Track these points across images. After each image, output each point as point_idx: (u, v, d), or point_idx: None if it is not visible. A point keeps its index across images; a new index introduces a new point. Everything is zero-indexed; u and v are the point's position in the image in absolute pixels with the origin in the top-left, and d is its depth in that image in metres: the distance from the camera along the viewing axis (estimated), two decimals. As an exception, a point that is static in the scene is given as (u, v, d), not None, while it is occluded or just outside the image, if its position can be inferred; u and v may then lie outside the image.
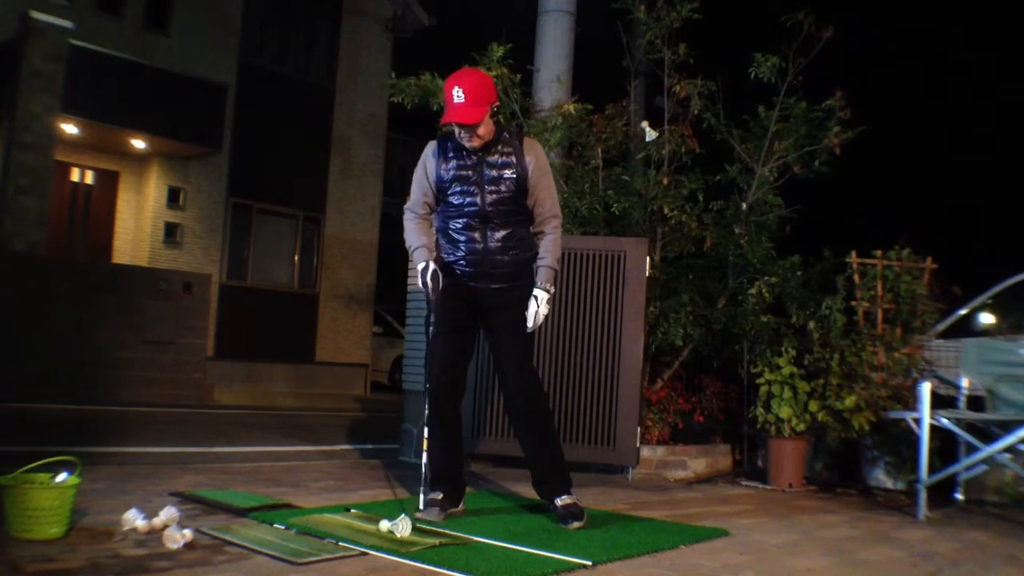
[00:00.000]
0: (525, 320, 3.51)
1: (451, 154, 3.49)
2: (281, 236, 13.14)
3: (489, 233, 3.48)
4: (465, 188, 3.46)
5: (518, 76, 5.96)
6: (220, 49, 12.23)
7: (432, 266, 3.48)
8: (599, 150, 5.85)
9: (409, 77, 5.74)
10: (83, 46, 10.02)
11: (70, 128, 10.41)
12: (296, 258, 13.23)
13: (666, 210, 5.61)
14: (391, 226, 14.22)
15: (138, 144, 11.23)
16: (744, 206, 5.69)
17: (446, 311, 3.57)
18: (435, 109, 5.74)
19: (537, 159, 3.49)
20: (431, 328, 3.58)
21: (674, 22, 5.67)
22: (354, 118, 13.92)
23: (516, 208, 3.50)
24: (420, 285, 3.52)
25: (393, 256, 11.30)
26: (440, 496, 3.47)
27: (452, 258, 3.55)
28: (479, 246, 3.48)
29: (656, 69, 5.93)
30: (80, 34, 10.02)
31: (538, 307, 3.49)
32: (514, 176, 3.44)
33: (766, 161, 5.70)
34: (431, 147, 3.57)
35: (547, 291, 3.50)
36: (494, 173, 3.44)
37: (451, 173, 3.48)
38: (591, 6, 7.34)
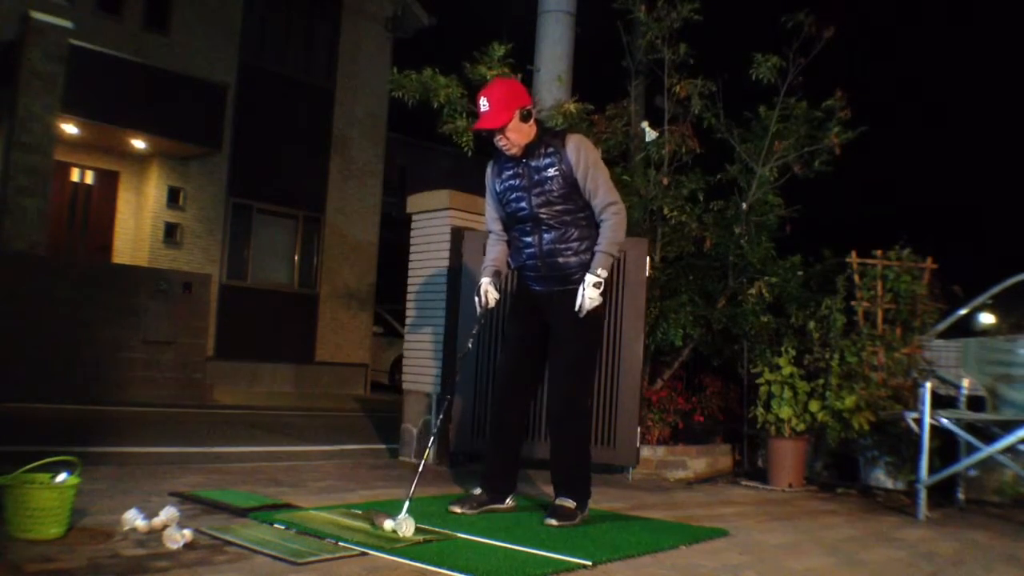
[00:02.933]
0: (578, 326, 3.49)
1: (502, 167, 3.60)
2: (281, 236, 13.13)
3: (544, 235, 3.53)
4: (517, 195, 3.55)
5: (519, 76, 5.96)
6: (220, 49, 12.23)
7: (485, 280, 3.61)
8: (599, 150, 5.85)
9: (410, 72, 5.74)
10: (83, 46, 10.01)
11: (70, 128, 10.41)
12: (296, 258, 13.22)
13: (666, 210, 5.62)
14: (391, 226, 14.32)
15: (138, 144, 11.23)
16: (744, 206, 5.69)
17: (514, 318, 3.75)
18: (435, 106, 5.74)
19: (579, 151, 3.47)
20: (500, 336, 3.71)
21: (674, 22, 5.67)
22: (354, 118, 13.91)
23: (569, 207, 3.49)
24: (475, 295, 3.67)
25: (393, 256, 11.30)
26: (479, 492, 3.62)
27: (519, 263, 3.66)
28: (535, 249, 3.55)
29: (656, 69, 5.93)
30: (80, 34, 10.01)
31: (584, 292, 3.42)
32: (558, 173, 3.46)
33: (766, 161, 5.71)
34: (488, 167, 3.70)
35: (596, 275, 3.43)
36: (538, 175, 3.49)
37: (504, 184, 3.59)
38: (591, 6, 7.33)
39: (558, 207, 3.48)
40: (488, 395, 4.83)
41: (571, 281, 3.51)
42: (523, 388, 3.71)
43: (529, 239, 3.56)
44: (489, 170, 3.69)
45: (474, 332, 3.76)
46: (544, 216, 3.50)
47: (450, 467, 5.06)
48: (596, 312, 3.52)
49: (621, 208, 3.51)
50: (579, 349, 3.55)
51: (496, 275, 3.67)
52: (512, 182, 3.55)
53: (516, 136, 3.46)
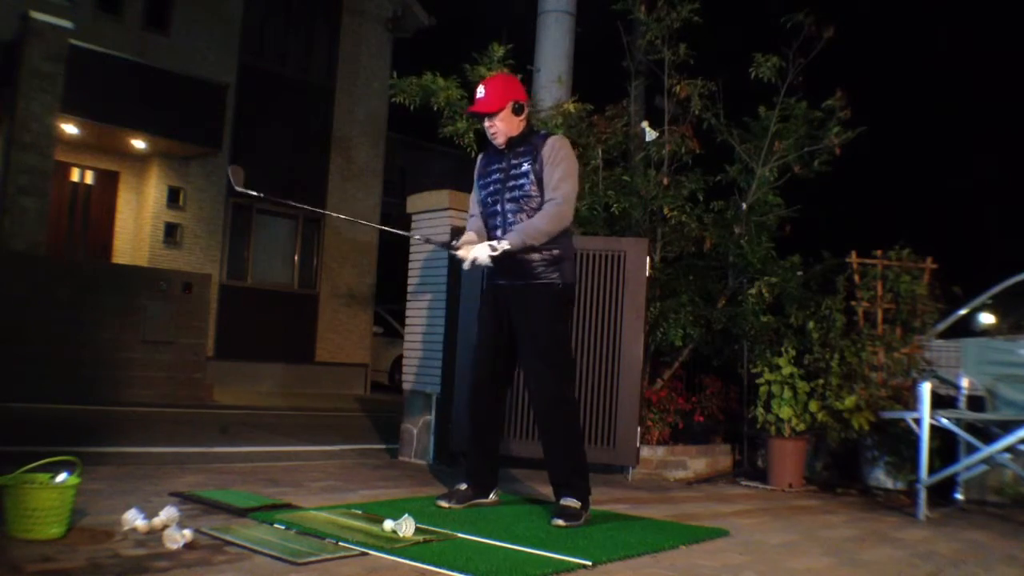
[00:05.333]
0: (541, 318, 3.56)
1: (489, 160, 3.75)
2: (281, 236, 13.13)
3: (508, 229, 3.60)
4: (494, 188, 3.68)
5: (519, 76, 5.96)
6: (220, 49, 12.23)
7: (459, 241, 3.68)
8: (599, 150, 5.85)
9: (411, 76, 5.74)
10: (83, 46, 10.01)
11: (70, 128, 10.41)
12: (296, 258, 13.23)
13: (666, 210, 5.62)
14: (391, 226, 14.30)
15: (138, 144, 11.23)
16: (744, 206, 5.69)
17: (485, 318, 3.77)
18: (436, 109, 5.74)
19: (554, 149, 3.58)
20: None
21: (674, 22, 5.68)
22: (354, 118, 13.91)
23: (536, 204, 3.59)
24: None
25: (393, 256, 11.29)
26: (464, 487, 3.71)
27: (500, 262, 3.68)
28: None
29: (656, 69, 5.93)
30: (80, 34, 10.01)
31: (477, 252, 3.53)
32: (530, 170, 3.57)
33: (766, 161, 5.71)
34: (479, 157, 3.85)
35: (495, 245, 3.52)
36: (514, 171, 3.62)
37: (486, 177, 3.73)
38: (591, 6, 7.34)
39: (527, 203, 3.58)
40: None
41: (533, 275, 3.57)
42: (498, 387, 3.80)
43: (497, 232, 3.67)
44: (478, 161, 3.86)
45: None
46: (511, 210, 3.61)
47: (450, 466, 5.06)
48: (561, 302, 3.62)
49: (565, 206, 3.54)
50: (547, 341, 3.58)
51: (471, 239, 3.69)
52: (492, 176, 3.71)
53: (504, 126, 3.62)
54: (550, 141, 3.61)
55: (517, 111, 3.62)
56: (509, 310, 3.65)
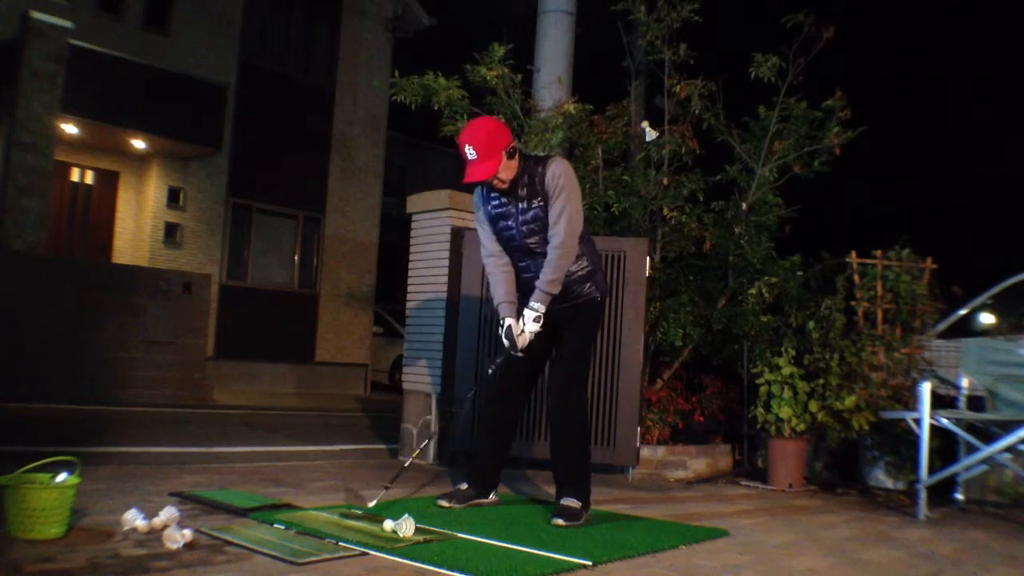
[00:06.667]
0: (579, 336, 3.63)
1: (490, 195, 3.63)
2: (281, 236, 13.13)
3: (537, 261, 3.56)
4: (505, 224, 3.60)
5: (519, 76, 5.96)
6: (220, 49, 12.23)
7: (510, 321, 3.58)
8: (599, 150, 5.85)
9: (412, 76, 5.74)
10: (83, 46, 10.01)
11: (70, 128, 10.40)
12: (296, 258, 13.22)
13: (666, 210, 5.62)
14: (391, 226, 14.31)
15: (138, 144, 11.22)
16: (744, 206, 5.69)
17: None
18: (436, 109, 5.74)
19: (555, 179, 3.47)
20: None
21: (674, 23, 5.68)
22: (354, 118, 13.91)
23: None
24: (503, 337, 3.62)
25: (393, 256, 11.33)
26: (464, 487, 3.73)
27: (521, 285, 3.68)
28: (532, 275, 3.58)
29: (656, 69, 5.93)
30: (80, 34, 10.01)
31: (524, 326, 3.53)
32: (541, 204, 3.50)
33: (766, 161, 5.71)
34: (476, 193, 3.71)
35: (533, 310, 3.52)
36: (523, 204, 3.53)
37: (495, 211, 3.62)
38: (591, 6, 7.34)
39: (544, 234, 3.52)
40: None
41: (576, 295, 3.61)
42: (522, 390, 3.83)
43: (525, 264, 3.62)
44: (477, 198, 3.71)
45: (498, 362, 3.72)
46: (533, 245, 3.55)
47: (450, 467, 5.06)
48: (600, 312, 3.74)
49: (567, 240, 3.47)
50: (579, 346, 3.67)
51: (513, 308, 3.62)
52: (500, 211, 3.60)
53: (506, 175, 3.49)
54: (548, 173, 3.47)
55: (511, 155, 3.47)
56: (555, 328, 3.63)
